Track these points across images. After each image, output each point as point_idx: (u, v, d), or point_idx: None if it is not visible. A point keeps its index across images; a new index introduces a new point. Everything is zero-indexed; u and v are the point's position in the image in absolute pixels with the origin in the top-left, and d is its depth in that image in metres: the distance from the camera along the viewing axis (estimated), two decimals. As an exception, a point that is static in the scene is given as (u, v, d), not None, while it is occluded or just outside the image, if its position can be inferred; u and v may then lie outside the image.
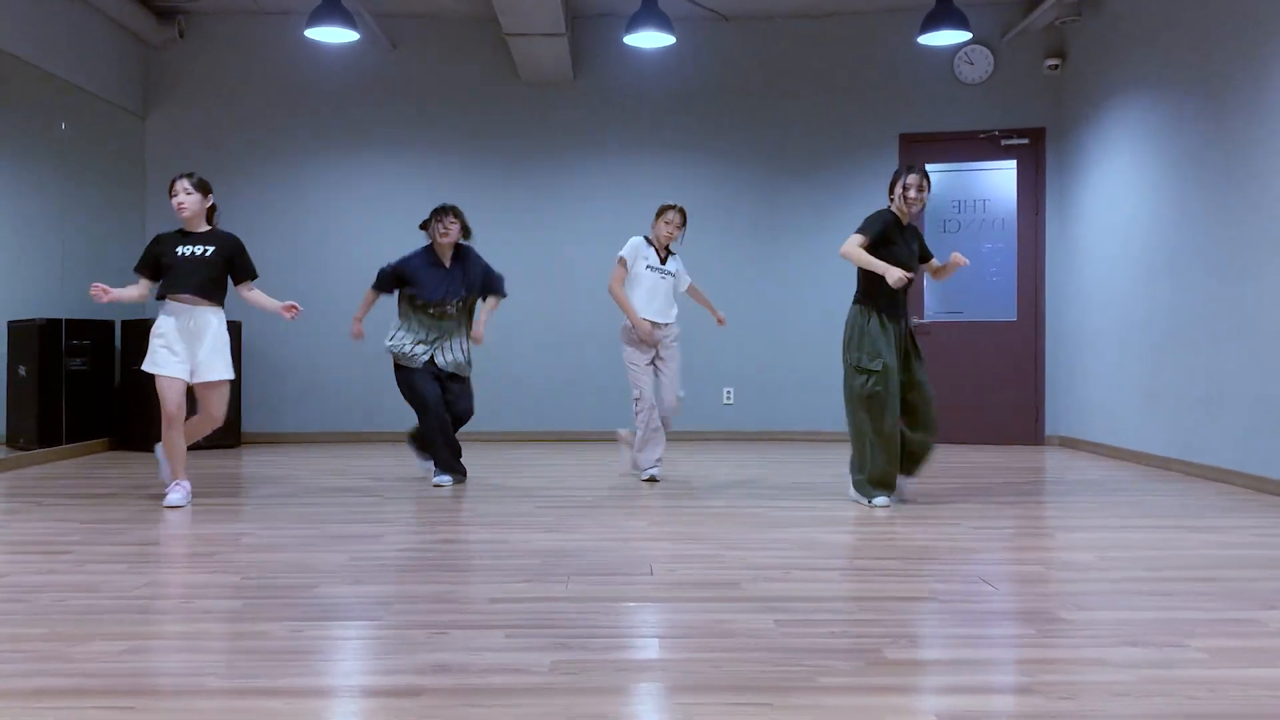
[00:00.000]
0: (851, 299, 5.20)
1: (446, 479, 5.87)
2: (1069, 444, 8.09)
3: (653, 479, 5.96)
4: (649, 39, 7.30)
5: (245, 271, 5.44)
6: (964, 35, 7.21)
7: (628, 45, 7.89)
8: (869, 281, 5.07)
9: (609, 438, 8.48)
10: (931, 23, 7.15)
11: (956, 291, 8.45)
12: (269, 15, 8.52)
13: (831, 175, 8.58)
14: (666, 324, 6.04)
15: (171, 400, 5.07)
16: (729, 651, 2.69)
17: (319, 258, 8.59)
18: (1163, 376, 6.70)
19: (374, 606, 3.16)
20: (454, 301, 5.89)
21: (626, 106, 8.65)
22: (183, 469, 5.20)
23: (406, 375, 5.85)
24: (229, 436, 8.16)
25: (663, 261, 6.10)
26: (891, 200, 5.18)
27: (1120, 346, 7.31)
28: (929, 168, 8.42)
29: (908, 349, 5.13)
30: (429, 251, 5.99)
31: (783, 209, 8.60)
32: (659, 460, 5.99)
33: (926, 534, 4.38)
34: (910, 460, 5.17)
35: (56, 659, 2.63)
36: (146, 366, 5.12)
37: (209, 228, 5.41)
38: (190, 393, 5.20)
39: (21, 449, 7.08)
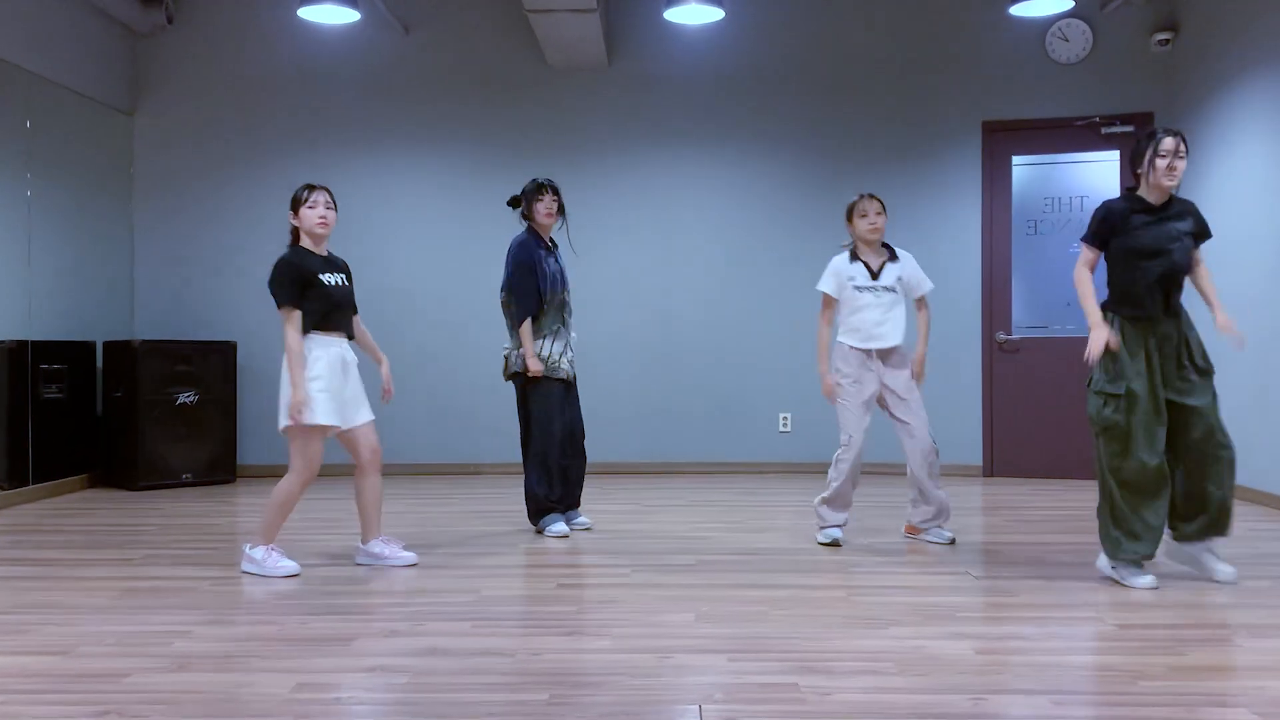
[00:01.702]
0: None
1: (565, 525, 5.15)
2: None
3: (835, 542, 4.88)
4: (694, 13, 6.30)
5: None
6: (1064, 4, 6.13)
7: (669, 24, 6.87)
8: (1115, 280, 4.00)
9: (645, 470, 7.46)
10: (1026, -11, 6.07)
11: (1044, 302, 7.33)
12: (267, -2, 7.60)
13: (904, 170, 7.49)
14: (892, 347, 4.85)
15: (319, 458, 4.30)
16: None
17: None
18: (1315, 407, 5.57)
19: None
20: (565, 291, 5.22)
21: (669, 93, 7.62)
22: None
23: (550, 392, 5.06)
24: (224, 471, 7.26)
25: (875, 275, 4.87)
26: (1138, 179, 4.05)
27: (1258, 370, 6.16)
28: (1016, 160, 7.42)
29: (1178, 367, 3.99)
30: (535, 235, 5.16)
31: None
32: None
33: (1060, 639, 3.31)
34: (1186, 519, 4.05)
35: None
36: (310, 418, 4.19)
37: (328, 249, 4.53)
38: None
39: (-16, 490, 6.23)
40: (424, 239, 7.68)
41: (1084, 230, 4.13)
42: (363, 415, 4.42)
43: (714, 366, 7.63)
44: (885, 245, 4.93)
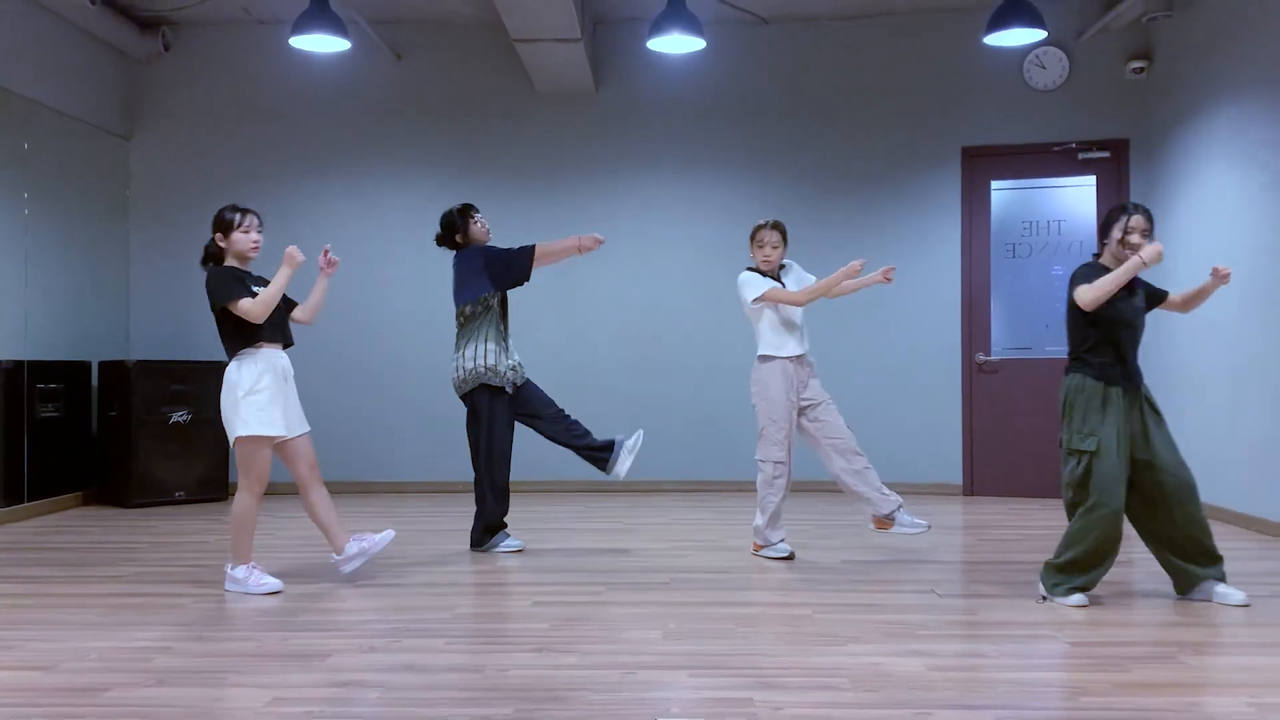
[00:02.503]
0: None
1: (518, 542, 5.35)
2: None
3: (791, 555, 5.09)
4: (676, 43, 6.44)
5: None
6: (1038, 34, 6.26)
7: (653, 52, 7.02)
8: (1091, 343, 4.15)
9: (629, 488, 7.57)
10: (1000, 20, 6.19)
11: (1023, 323, 7.47)
12: (261, 25, 7.76)
13: (885, 195, 7.64)
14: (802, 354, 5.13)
15: (268, 468, 4.41)
16: None
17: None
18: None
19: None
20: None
21: (653, 119, 7.78)
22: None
23: (496, 414, 5.22)
24: (216, 489, 7.39)
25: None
26: (1103, 248, 4.21)
27: (1226, 391, 6.29)
28: (995, 185, 7.56)
29: (1143, 427, 4.14)
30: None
31: (830, 233, 7.62)
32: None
33: (1016, 657, 3.42)
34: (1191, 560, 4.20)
35: None
36: (261, 429, 4.32)
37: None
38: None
39: (-20, 507, 6.36)
40: (414, 260, 7.81)
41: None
42: (301, 427, 4.53)
43: (698, 385, 7.75)
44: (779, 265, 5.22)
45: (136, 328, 7.93)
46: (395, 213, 7.84)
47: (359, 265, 7.66)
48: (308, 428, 4.58)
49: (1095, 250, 4.31)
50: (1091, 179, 7.40)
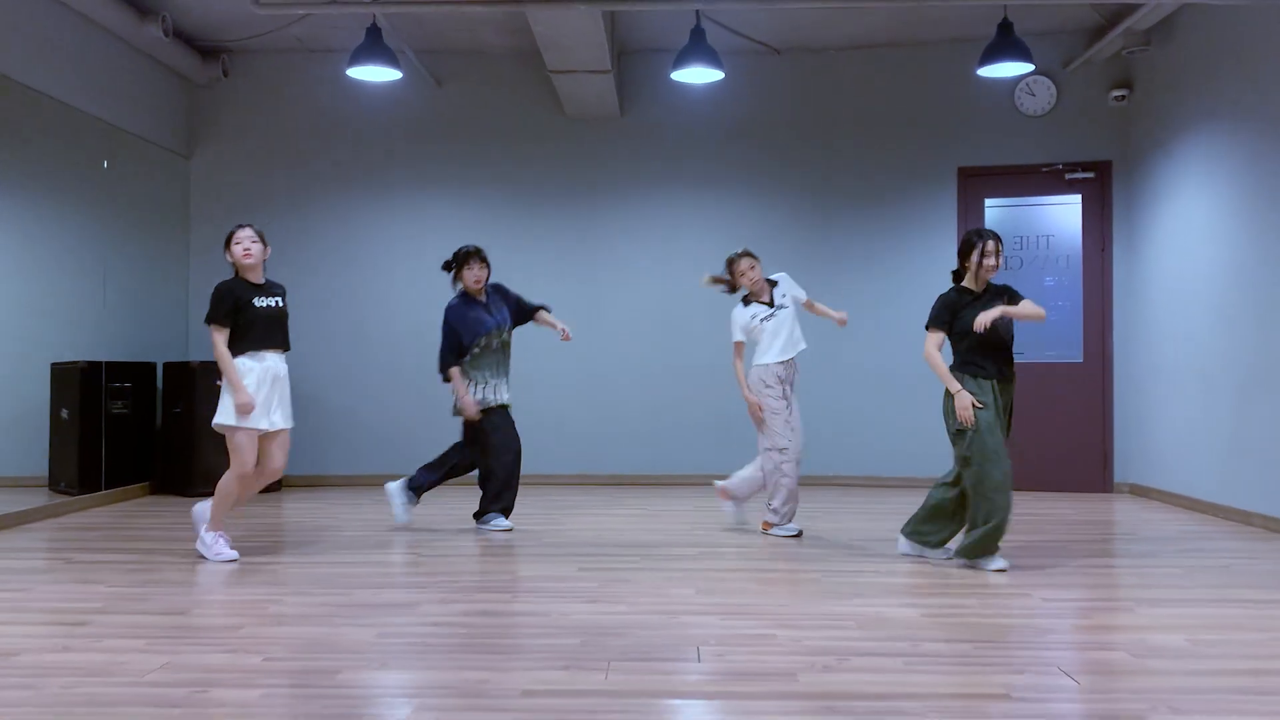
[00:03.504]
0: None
1: (508, 523, 6.00)
2: (1140, 493, 7.69)
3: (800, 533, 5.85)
4: (697, 75, 7.08)
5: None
6: (1026, 67, 6.90)
7: (675, 82, 7.68)
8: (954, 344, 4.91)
9: (652, 481, 8.22)
10: (991, 54, 6.84)
11: (1019, 331, 8.08)
12: (313, 53, 8.44)
13: (888, 211, 8.30)
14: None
15: (254, 455, 5.05)
16: (784, 769, 2.42)
17: (362, 296, 8.46)
18: (1247, 424, 6.31)
19: (400, 699, 2.93)
20: (506, 330, 6.07)
21: (674, 142, 8.44)
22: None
23: (495, 416, 5.94)
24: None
25: (771, 304, 5.88)
26: (966, 269, 4.90)
27: (1199, 391, 6.92)
28: (989, 203, 8.22)
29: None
30: (464, 297, 6.08)
31: (837, 246, 8.31)
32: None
33: (997, 608, 4.06)
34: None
35: (52, 769, 2.43)
36: (232, 420, 4.98)
37: (265, 278, 5.33)
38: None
39: (63, 493, 6.99)
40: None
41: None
42: (284, 423, 5.14)
43: (714, 386, 8.38)
44: (766, 280, 5.96)
45: (195, 332, 8.58)
46: (436, 228, 8.48)
47: (403, 277, 8.33)
48: (289, 425, 5.16)
49: (955, 269, 5.07)
50: (1077, 198, 8.05)
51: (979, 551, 4.78)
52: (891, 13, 7.43)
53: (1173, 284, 7.30)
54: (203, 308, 8.45)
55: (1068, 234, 8.05)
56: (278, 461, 5.18)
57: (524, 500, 7.07)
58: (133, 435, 7.70)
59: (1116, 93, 7.90)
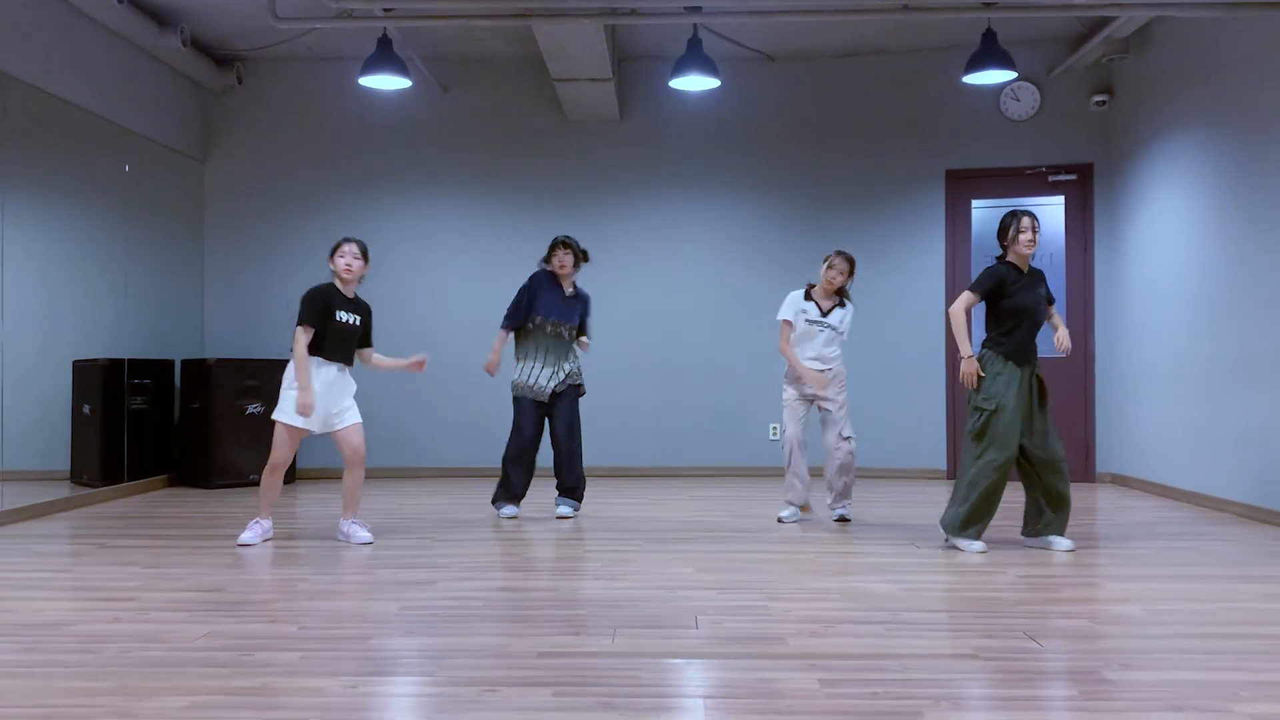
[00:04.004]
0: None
1: (514, 509, 6.33)
2: (1121, 482, 8.02)
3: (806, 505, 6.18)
4: (694, 83, 7.39)
5: (368, 340, 5.70)
6: (1009, 75, 7.21)
7: (673, 89, 7.98)
8: (995, 323, 5.22)
9: (652, 473, 8.55)
10: (976, 63, 7.15)
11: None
12: (324, 61, 8.74)
13: (879, 212, 8.62)
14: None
15: (289, 451, 5.41)
16: (773, 714, 2.73)
17: (373, 296, 8.69)
18: (1222, 416, 6.64)
19: (425, 661, 3.24)
20: (567, 327, 6.34)
21: (673, 146, 8.76)
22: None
23: (523, 404, 6.29)
24: (286, 473, 8.32)
25: (824, 314, 6.15)
26: (1005, 248, 5.24)
27: (1176, 385, 7.24)
28: (975, 204, 8.53)
29: (1032, 398, 5.16)
30: (549, 275, 6.37)
31: (830, 246, 8.53)
32: (790, 503, 6.17)
33: (973, 583, 4.38)
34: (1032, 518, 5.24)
35: (125, 715, 2.74)
36: (285, 419, 5.31)
37: (355, 294, 5.63)
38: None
39: (85, 485, 7.29)
40: (461, 272, 8.79)
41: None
42: (347, 420, 5.46)
43: (712, 383, 8.72)
44: (838, 292, 6.23)
45: (210, 330, 8.90)
46: (442, 228, 8.80)
47: (410, 276, 8.64)
48: (352, 421, 5.46)
49: (999, 254, 5.38)
50: (1060, 199, 8.37)
51: (957, 528, 5.09)
52: (881, 22, 7.74)
53: (1152, 282, 7.62)
54: (217, 305, 8.90)
55: (1051, 234, 8.37)
56: (347, 454, 5.48)
57: (534, 491, 7.40)
58: (152, 430, 8.00)
59: (1098, 98, 8.22)
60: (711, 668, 3.17)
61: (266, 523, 5.49)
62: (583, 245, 6.50)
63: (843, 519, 6.11)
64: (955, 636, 3.51)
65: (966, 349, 5.17)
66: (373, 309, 5.73)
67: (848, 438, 6.08)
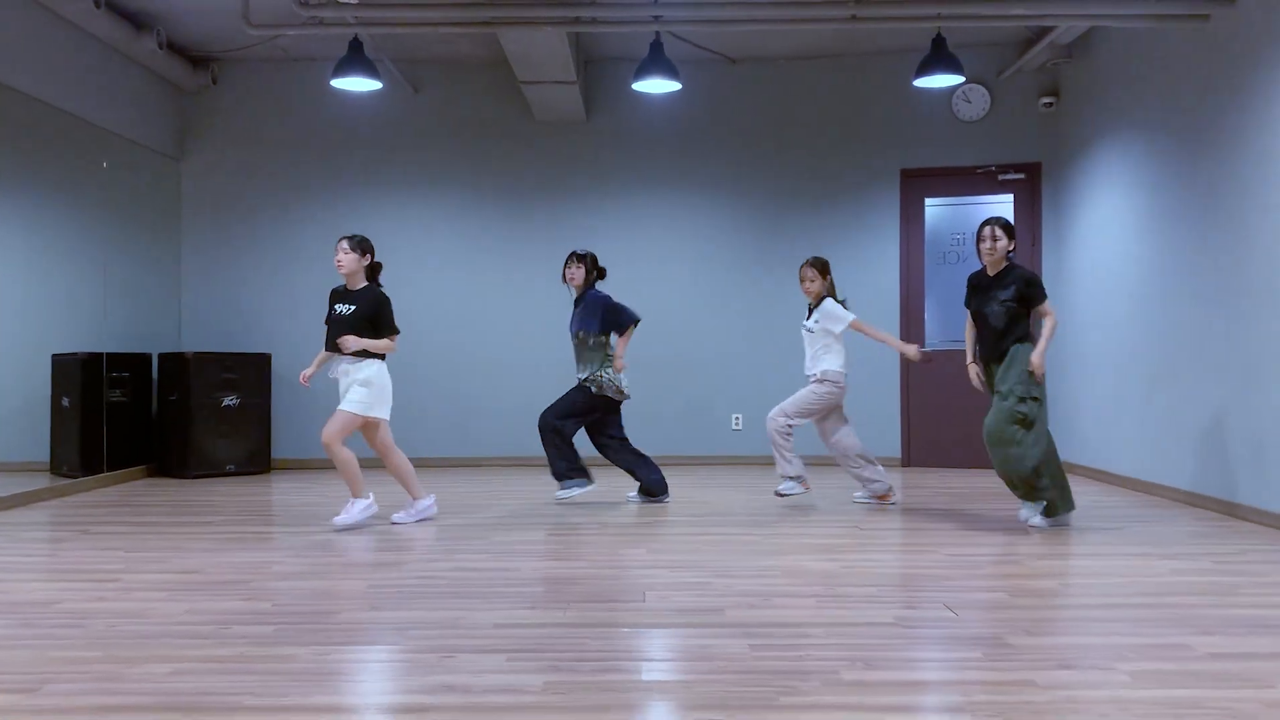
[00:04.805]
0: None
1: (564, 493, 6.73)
2: (1066, 469, 8.32)
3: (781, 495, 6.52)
4: (656, 85, 7.66)
5: (387, 326, 5.90)
6: (957, 79, 7.52)
7: (637, 91, 8.25)
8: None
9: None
10: (926, 67, 7.46)
11: (952, 319, 8.75)
12: (297, 62, 8.96)
13: (836, 210, 8.93)
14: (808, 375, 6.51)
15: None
16: (704, 674, 3.03)
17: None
18: (1155, 405, 6.99)
19: (390, 632, 3.52)
20: (577, 333, 6.70)
21: (638, 145, 9.03)
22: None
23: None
24: (261, 463, 8.58)
25: (808, 315, 6.55)
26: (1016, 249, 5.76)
27: (1115, 375, 7.59)
28: (929, 202, 8.86)
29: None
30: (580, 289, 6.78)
31: (789, 242, 8.92)
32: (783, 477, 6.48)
33: (905, 561, 4.69)
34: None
35: (113, 680, 3.01)
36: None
37: (364, 284, 5.90)
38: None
39: (65, 476, 7.51)
40: (433, 268, 9.04)
41: (977, 260, 5.73)
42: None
43: (678, 375, 9.01)
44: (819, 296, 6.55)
45: (187, 324, 9.12)
46: (412, 226, 9.04)
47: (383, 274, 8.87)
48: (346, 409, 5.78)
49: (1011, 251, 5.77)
50: (1010, 197, 8.71)
51: (1063, 507, 5.58)
52: (836, 28, 8.03)
53: (1095, 276, 7.97)
54: (194, 300, 9.12)
55: (1001, 230, 8.69)
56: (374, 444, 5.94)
57: (506, 478, 7.65)
58: (131, 421, 8.22)
59: (1045, 100, 8.55)
60: (654, 636, 3.46)
61: (364, 500, 5.78)
62: (585, 251, 6.82)
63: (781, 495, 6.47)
64: (880, 607, 3.82)
65: (969, 357, 5.84)
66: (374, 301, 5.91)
67: (772, 417, 6.43)
